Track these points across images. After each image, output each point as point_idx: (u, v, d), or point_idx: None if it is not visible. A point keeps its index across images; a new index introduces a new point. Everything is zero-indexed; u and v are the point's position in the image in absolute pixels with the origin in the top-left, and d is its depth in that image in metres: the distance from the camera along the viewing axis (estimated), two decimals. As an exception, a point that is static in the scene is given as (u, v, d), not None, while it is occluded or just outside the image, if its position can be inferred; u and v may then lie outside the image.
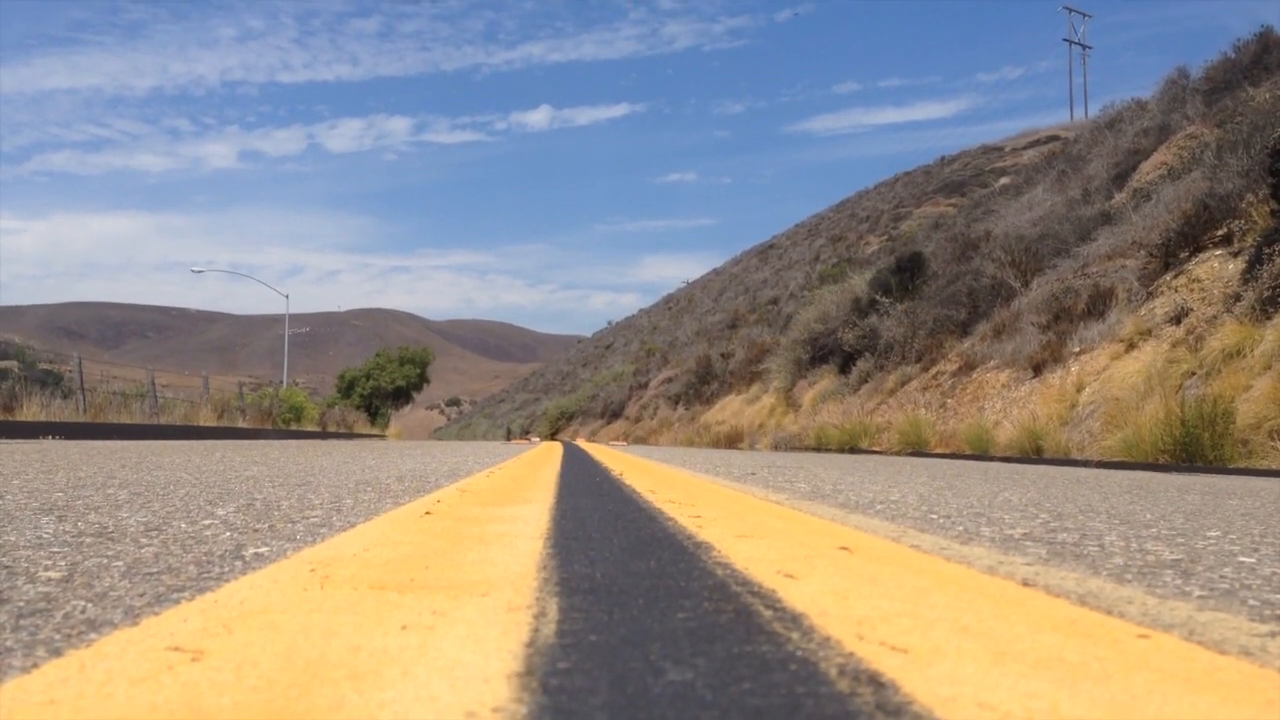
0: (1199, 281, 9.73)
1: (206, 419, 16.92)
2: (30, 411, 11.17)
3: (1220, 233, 10.08)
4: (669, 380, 29.23)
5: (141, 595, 0.88)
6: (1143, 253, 11.30)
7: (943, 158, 49.02)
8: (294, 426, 21.40)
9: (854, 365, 16.56)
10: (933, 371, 13.95)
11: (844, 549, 1.22)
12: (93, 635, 0.72)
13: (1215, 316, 8.86)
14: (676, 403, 26.06)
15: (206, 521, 1.51)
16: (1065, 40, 54.99)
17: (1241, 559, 1.35)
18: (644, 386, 32.47)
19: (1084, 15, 56.79)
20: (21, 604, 0.83)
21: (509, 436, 40.68)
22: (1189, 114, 15.49)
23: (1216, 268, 9.71)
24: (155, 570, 1.02)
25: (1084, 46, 54.89)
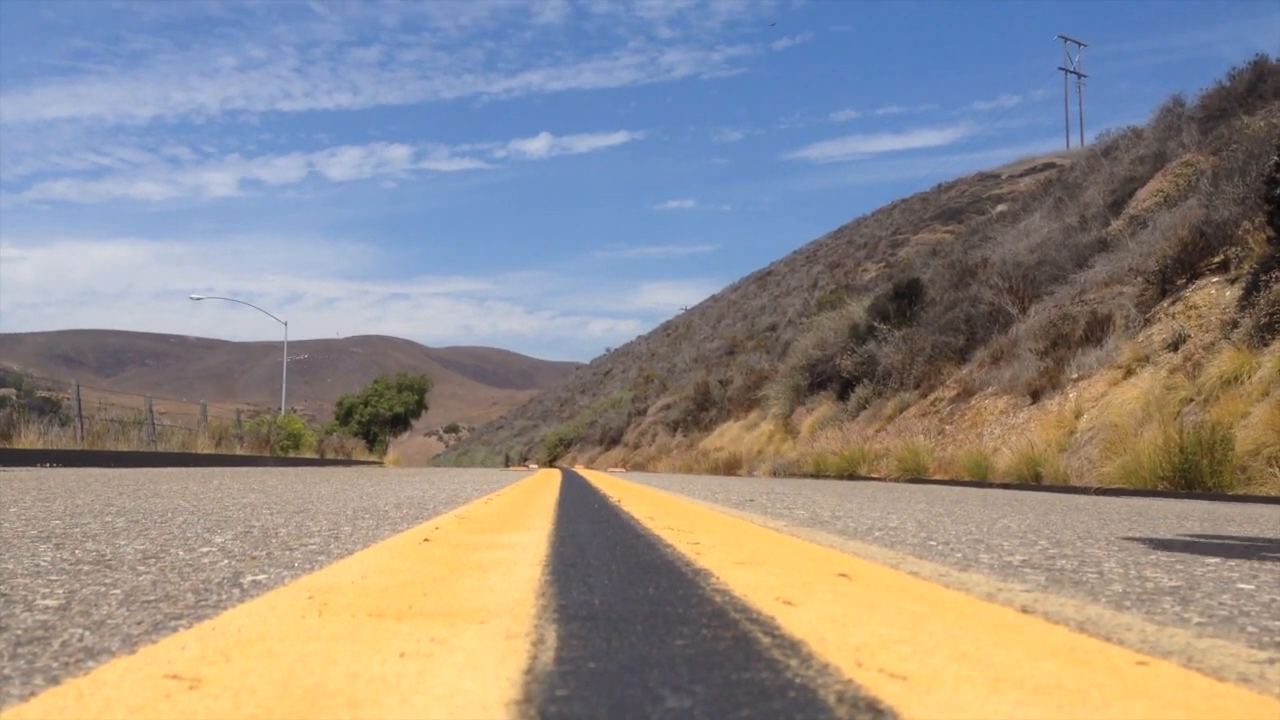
0: (1196, 308, 9.75)
1: (204, 446, 16.89)
2: (28, 439, 11.15)
3: (1217, 260, 10.11)
4: (667, 407, 29.21)
5: (139, 623, 0.88)
6: (1140, 280, 11.33)
7: (940, 185, 49.19)
8: (292, 453, 21.36)
9: (852, 392, 16.56)
10: (931, 398, 13.95)
11: (842, 576, 1.21)
12: (90, 663, 0.72)
13: (1213, 343, 8.88)
14: (675, 429, 26.03)
15: (204, 549, 1.50)
16: (1061, 69, 55.31)
17: (1240, 586, 1.35)
18: (642, 413, 32.44)
19: (1079, 44, 57.14)
20: (19, 632, 0.83)
21: (507, 463, 40.61)
22: (1185, 142, 15.57)
23: (1214, 294, 9.73)
24: (153, 598, 1.02)
25: (1080, 75, 55.19)
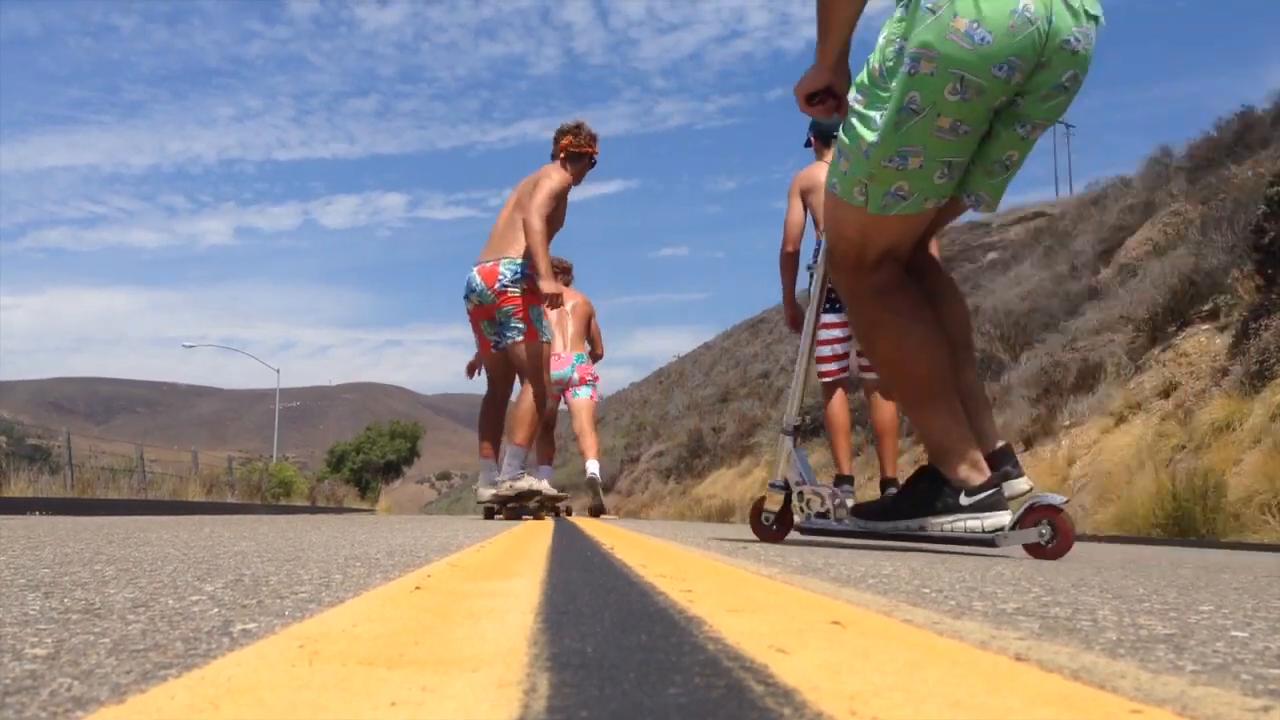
0: (1187, 356, 9.80)
1: (195, 494, 16.81)
2: (17, 487, 11.10)
3: (1207, 308, 10.18)
4: (660, 454, 29.15)
5: (128, 672, 0.87)
6: (1130, 327, 11.40)
7: (931, 233, 49.43)
8: (283, 501, 21.28)
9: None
10: (924, 445, 13.96)
11: (836, 623, 1.21)
12: (79, 713, 0.71)
13: (1204, 390, 8.92)
14: (668, 476, 25.96)
15: (194, 597, 1.49)
16: (1049, 119, 55.94)
17: (1235, 633, 1.35)
18: (635, 460, 32.36)
19: (1067, 94, 57.82)
20: (8, 681, 0.82)
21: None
22: (1173, 191, 15.75)
23: (1204, 342, 9.79)
24: (142, 647, 1.01)
25: (1068, 125, 55.83)
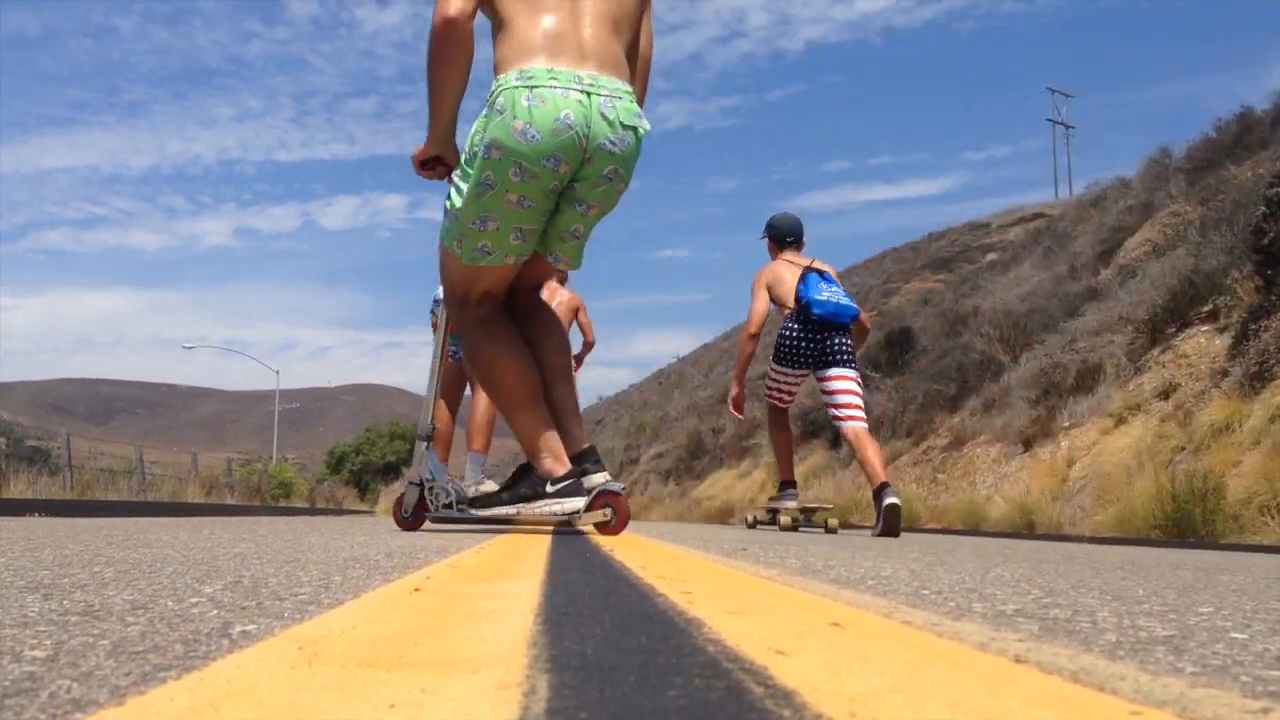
0: (1186, 357, 9.80)
1: (195, 495, 16.82)
2: (17, 488, 11.10)
3: (1206, 309, 10.17)
4: (660, 455, 29.14)
5: (128, 674, 0.87)
6: (1130, 328, 11.39)
7: (931, 234, 49.51)
8: (283, 502, 21.28)
9: (844, 441, 16.55)
10: (923, 446, 13.95)
11: (835, 625, 1.21)
12: (78, 715, 0.71)
13: (1203, 392, 8.91)
14: (667, 478, 25.96)
15: (193, 599, 1.49)
16: (1049, 120, 55.94)
17: (1234, 635, 1.35)
18: (635, 462, 32.36)
19: (1067, 96, 57.88)
20: (7, 684, 0.82)
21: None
22: (1172, 192, 15.74)
23: (1203, 343, 9.79)
24: (141, 649, 1.01)
25: (1067, 126, 55.85)
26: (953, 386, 14.52)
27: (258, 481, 21.51)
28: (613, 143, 3.53)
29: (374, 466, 43.11)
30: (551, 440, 3.83)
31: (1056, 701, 0.77)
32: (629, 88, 3.61)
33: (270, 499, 21.12)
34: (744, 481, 19.77)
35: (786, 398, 7.84)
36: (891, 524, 6.74)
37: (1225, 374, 8.79)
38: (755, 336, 7.64)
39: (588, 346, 9.62)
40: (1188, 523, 6.88)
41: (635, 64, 3.85)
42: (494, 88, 3.57)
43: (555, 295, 8.92)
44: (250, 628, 1.19)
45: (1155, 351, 10.47)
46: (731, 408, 8.05)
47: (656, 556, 2.73)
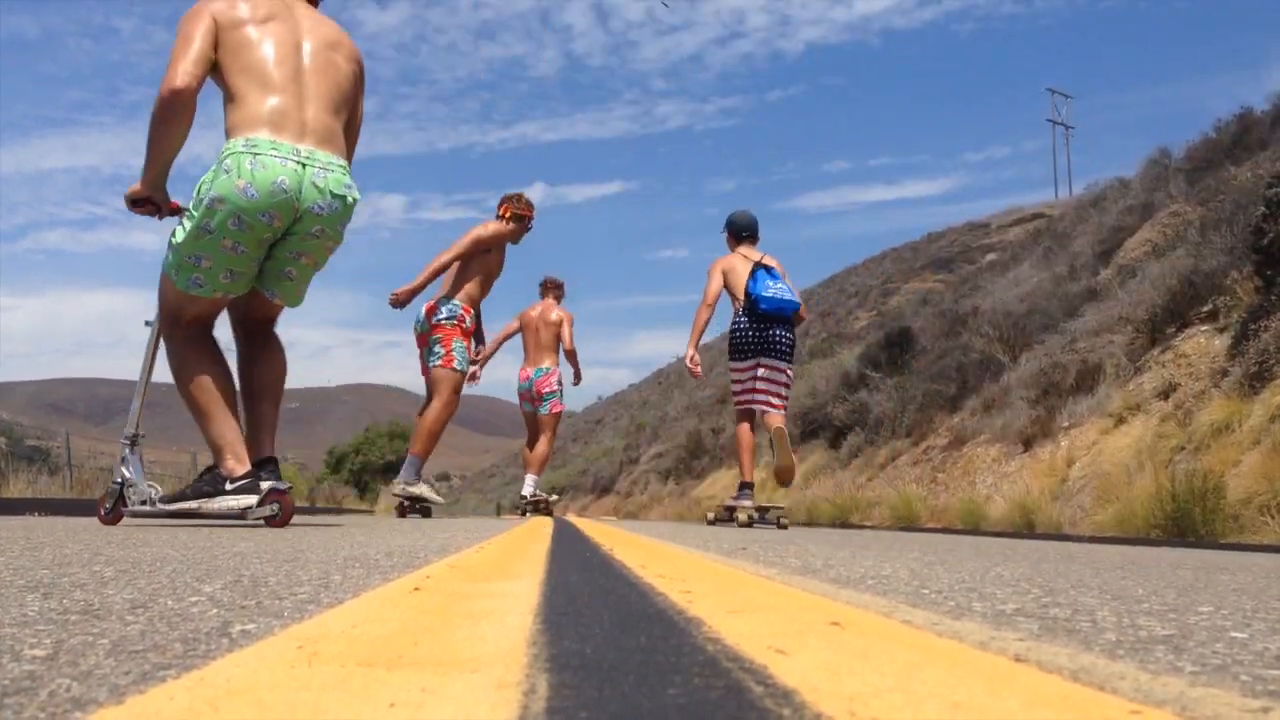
0: (1186, 357, 9.79)
1: (194, 495, 16.79)
2: (16, 488, 11.08)
3: (1206, 309, 10.17)
4: (659, 455, 29.14)
5: (127, 673, 0.87)
6: (1130, 328, 11.39)
7: (930, 235, 49.52)
8: (282, 502, 21.24)
9: (844, 440, 16.56)
10: (923, 446, 13.95)
11: (835, 624, 1.21)
12: (77, 714, 0.71)
13: (1203, 391, 8.91)
14: (667, 478, 25.95)
15: (193, 598, 1.49)
16: (1049, 120, 55.95)
17: (1234, 634, 1.35)
18: (634, 461, 32.37)
19: (1066, 96, 57.93)
20: (6, 682, 0.82)
21: (499, 512, 40.39)
22: (1172, 192, 15.73)
23: (1203, 343, 9.79)
24: (141, 648, 1.01)
25: (1067, 127, 55.87)
26: (952, 386, 14.52)
27: (257, 481, 21.48)
28: (320, 208, 4.25)
29: (374, 466, 43.07)
30: (236, 445, 4.38)
31: (1056, 701, 0.77)
32: (342, 162, 4.34)
33: (270, 499, 21.07)
34: (744, 481, 19.74)
35: (745, 396, 8.43)
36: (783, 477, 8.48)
37: (1225, 374, 8.79)
38: (710, 306, 8.35)
39: (570, 356, 10.51)
40: (1187, 522, 6.88)
41: (351, 134, 4.62)
42: (224, 150, 4.18)
43: (551, 310, 10.33)
44: (250, 627, 1.19)
45: (1155, 351, 10.47)
46: (690, 366, 8.95)
47: (656, 556, 2.73)
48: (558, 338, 10.40)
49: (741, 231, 8.61)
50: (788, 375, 8.41)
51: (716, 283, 8.31)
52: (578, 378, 10.98)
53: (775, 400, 8.38)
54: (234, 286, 4.35)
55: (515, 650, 0.97)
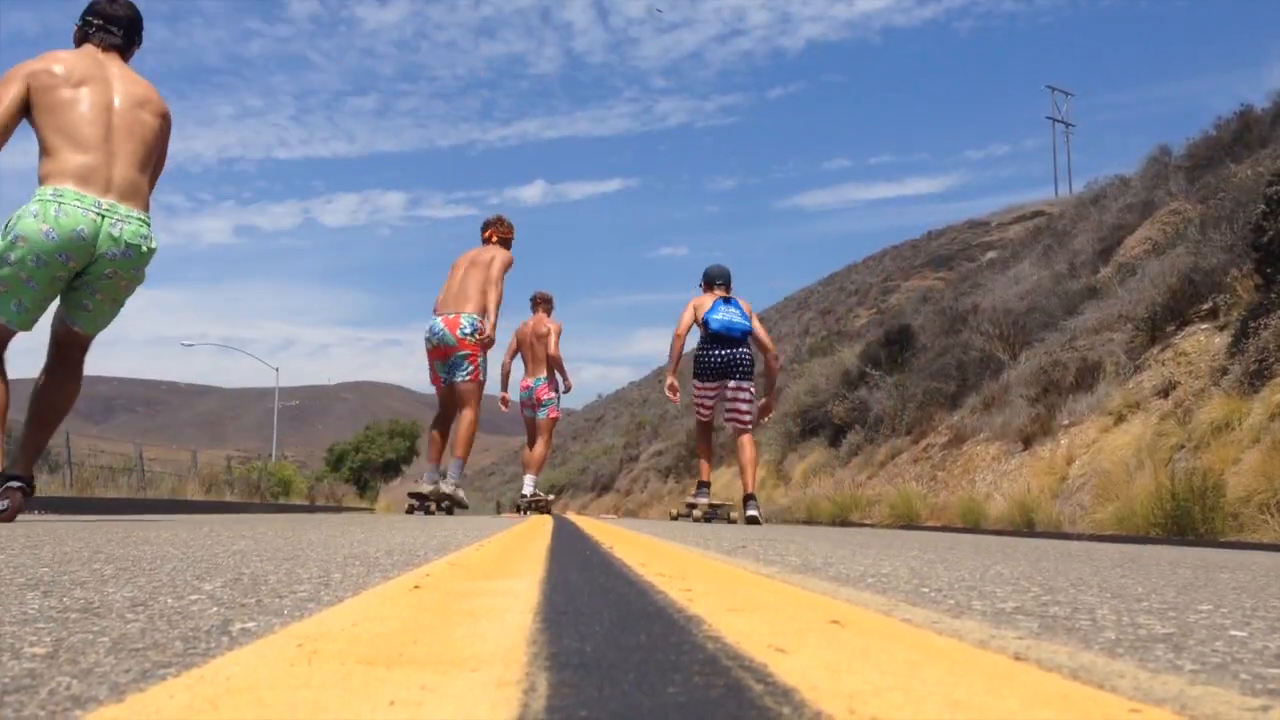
0: (1186, 355, 9.79)
1: (194, 493, 16.81)
2: (15, 485, 11.07)
3: (1206, 307, 10.17)
4: (659, 453, 29.14)
5: (127, 671, 0.87)
6: (1129, 326, 11.39)
7: (930, 232, 49.53)
8: (282, 500, 21.26)
9: (844, 438, 16.55)
10: (923, 444, 13.94)
11: (835, 622, 1.21)
12: (77, 712, 0.71)
13: (1203, 390, 8.91)
14: (667, 476, 25.95)
15: (193, 597, 1.49)
16: (1049, 118, 55.92)
17: (1233, 633, 1.35)
18: (634, 459, 32.37)
19: (1066, 94, 57.91)
20: (7, 680, 0.82)
21: (499, 510, 40.38)
22: (1172, 190, 15.72)
23: (1203, 341, 9.78)
24: (141, 646, 1.01)
25: (1067, 124, 55.86)
26: (952, 384, 14.52)
27: (257, 479, 21.50)
28: (114, 254, 4.74)
29: (373, 464, 43.00)
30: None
31: (1056, 699, 0.77)
32: (141, 215, 4.86)
33: (270, 496, 21.11)
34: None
35: (705, 411, 9.46)
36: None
37: (1225, 372, 8.79)
38: (681, 336, 9.30)
39: (556, 364, 11.19)
40: (1187, 520, 6.88)
41: (154, 176, 5.14)
42: (34, 195, 4.64)
43: (543, 324, 11.04)
44: (250, 625, 1.19)
45: (1155, 349, 10.46)
46: (668, 394, 10.11)
47: (656, 554, 2.73)
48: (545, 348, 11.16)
49: (714, 281, 9.47)
50: (750, 393, 9.32)
51: (689, 315, 9.29)
52: (566, 384, 11.49)
53: (747, 419, 9.39)
54: (19, 318, 4.76)
55: (515, 648, 0.97)
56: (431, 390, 9.36)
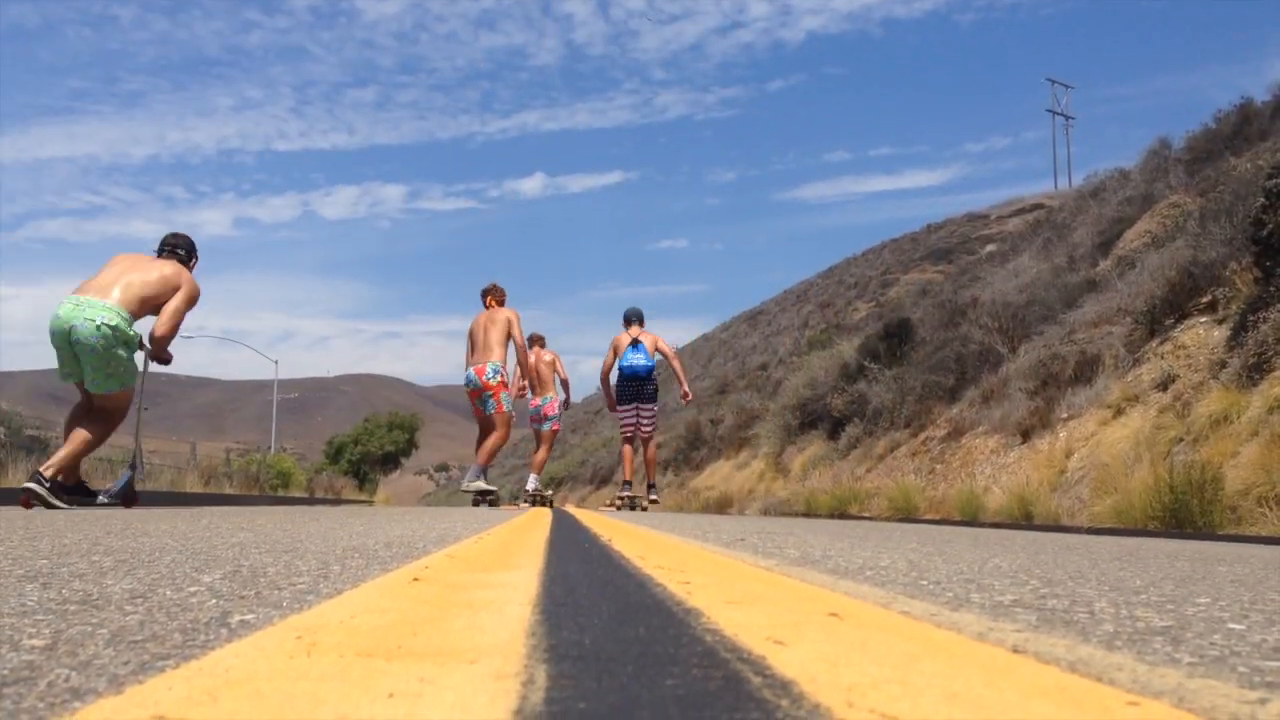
0: (1185, 348, 9.79)
1: (193, 485, 16.80)
2: (15, 478, 11.08)
3: (1205, 300, 10.16)
4: (659, 446, 29.11)
5: (126, 663, 0.87)
6: (1129, 320, 11.38)
7: (930, 225, 49.48)
8: (281, 492, 21.25)
9: (843, 431, 16.55)
10: (922, 437, 13.95)
11: (833, 615, 1.21)
12: (76, 704, 0.71)
13: (1202, 383, 8.91)
14: (666, 468, 25.95)
15: (192, 588, 1.49)
16: (1049, 111, 55.87)
17: (1231, 626, 1.35)
18: (634, 452, 32.30)
19: (1066, 86, 57.87)
20: (5, 672, 0.82)
21: (498, 503, 40.31)
22: (1172, 183, 15.70)
23: (1202, 335, 9.78)
24: (140, 638, 1.01)
25: (1067, 117, 55.81)
26: (951, 377, 14.52)
27: (256, 471, 21.47)
28: (88, 339, 6.44)
29: (373, 457, 43.00)
30: (62, 460, 6.70)
31: (1054, 692, 0.78)
32: (110, 307, 6.54)
33: (269, 489, 21.11)
34: (743, 472, 19.78)
35: (628, 429, 12.34)
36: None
37: (1224, 365, 8.79)
38: (605, 375, 12.79)
39: (565, 385, 13.68)
40: (1185, 514, 6.89)
41: (159, 307, 6.93)
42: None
43: (542, 357, 13.38)
44: (249, 617, 1.19)
45: (1154, 343, 10.47)
46: (614, 416, 12.99)
47: (655, 547, 2.73)
48: (554, 372, 13.49)
49: (630, 321, 12.41)
50: (652, 411, 12.33)
51: (610, 356, 12.51)
52: (567, 403, 13.91)
53: (650, 431, 12.37)
54: (66, 377, 6.74)
55: (514, 641, 0.97)
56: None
